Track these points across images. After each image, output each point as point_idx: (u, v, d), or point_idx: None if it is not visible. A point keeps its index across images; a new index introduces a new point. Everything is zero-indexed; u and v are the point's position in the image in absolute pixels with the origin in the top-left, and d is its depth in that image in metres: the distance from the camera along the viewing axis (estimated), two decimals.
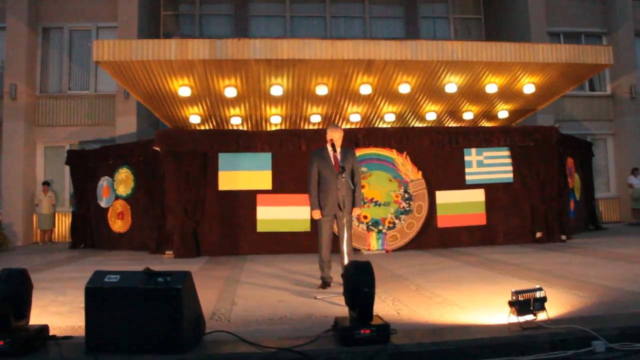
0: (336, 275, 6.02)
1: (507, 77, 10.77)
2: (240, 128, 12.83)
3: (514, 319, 3.90)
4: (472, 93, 11.66)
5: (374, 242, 9.55)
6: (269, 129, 13.12)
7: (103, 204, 11.30)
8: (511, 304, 3.92)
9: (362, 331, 3.57)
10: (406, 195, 9.69)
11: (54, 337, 3.84)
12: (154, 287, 3.53)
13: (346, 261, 5.20)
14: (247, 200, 9.42)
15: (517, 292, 3.90)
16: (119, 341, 3.52)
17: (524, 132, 10.06)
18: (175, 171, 9.33)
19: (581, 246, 9.27)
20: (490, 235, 9.87)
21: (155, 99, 11.27)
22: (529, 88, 11.19)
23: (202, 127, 12.98)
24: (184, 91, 10.56)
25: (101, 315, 3.54)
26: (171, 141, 9.42)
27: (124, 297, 3.55)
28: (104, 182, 11.29)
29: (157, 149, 9.57)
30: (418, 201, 9.71)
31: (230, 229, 9.43)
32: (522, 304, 3.88)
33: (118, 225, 11.03)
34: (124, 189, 10.92)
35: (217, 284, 6.28)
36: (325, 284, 5.80)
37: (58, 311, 4.82)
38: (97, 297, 3.56)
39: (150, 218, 10.13)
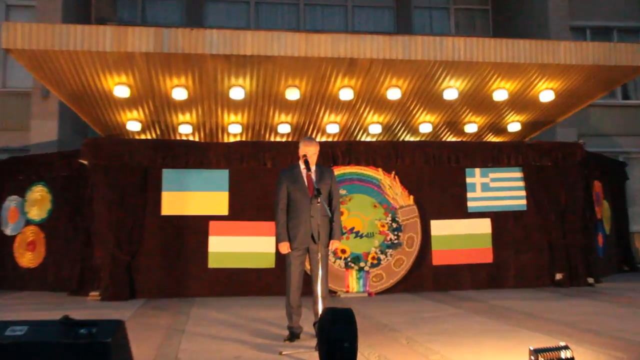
0: (307, 324, 6.04)
1: (520, 82, 10.95)
2: (191, 139, 12.85)
3: None
4: (476, 101, 11.82)
5: (353, 283, 9.64)
6: (226, 140, 13.16)
7: (8, 231, 11.13)
8: None
9: None
10: (394, 225, 9.81)
11: None
12: (73, 341, 3.40)
13: (320, 307, 5.23)
14: (197, 228, 9.54)
15: (536, 351, 3.87)
16: None
17: (540, 149, 10.31)
18: (107, 190, 9.40)
19: (613, 292, 9.34)
20: (498, 276, 10.04)
21: (84, 99, 11.15)
22: (546, 95, 11.37)
23: (143, 137, 12.91)
24: (121, 91, 10.50)
25: None
26: (102, 153, 9.48)
27: (31, 356, 3.40)
28: (11, 202, 11.15)
29: (84, 162, 9.61)
30: (409, 232, 9.85)
31: (174, 264, 9.51)
32: None
33: (27, 258, 10.86)
34: (37, 212, 10.81)
35: (157, 335, 6.25)
36: (294, 335, 5.83)
37: None
38: None
39: (72, 249, 10.08)
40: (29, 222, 10.87)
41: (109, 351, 3.35)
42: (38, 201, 10.81)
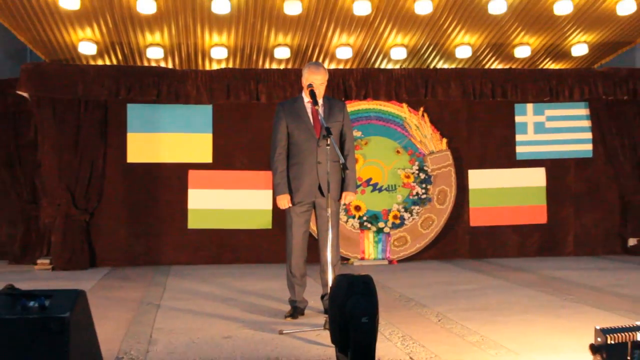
0: (313, 297, 6.20)
1: None
2: (163, 65, 12.68)
3: None
4: (531, 15, 11.53)
5: (370, 248, 9.92)
6: (208, 67, 12.97)
7: None
8: (595, 349, 3.91)
9: None
10: (422, 176, 9.99)
11: None
12: (21, 316, 3.46)
13: (330, 276, 5.31)
14: (172, 179, 9.78)
15: (604, 331, 3.88)
16: None
17: (613, 78, 10.33)
18: (56, 131, 9.47)
19: None
20: (553, 240, 10.28)
21: (19, 11, 10.94)
22: (625, 6, 11.04)
23: (100, 62, 12.78)
24: (69, 1, 10.30)
25: None
26: (48, 82, 9.49)
27: None
28: None
29: (24, 94, 9.58)
30: (440, 185, 10.04)
31: (144, 224, 9.76)
32: (614, 350, 3.86)
33: None
34: None
35: (125, 310, 6.37)
36: (297, 310, 5.95)
37: None
38: None
39: (12, 207, 10.26)
40: None
41: (66, 328, 3.40)
42: None
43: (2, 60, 13.99)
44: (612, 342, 3.87)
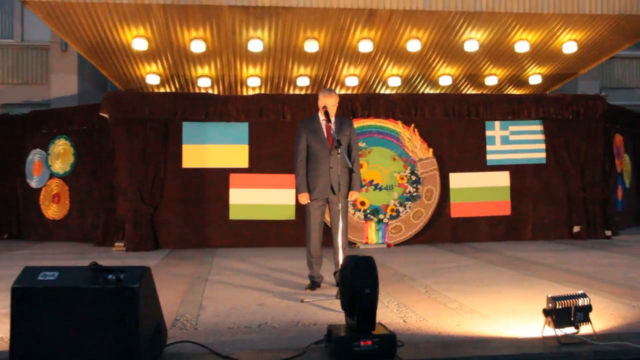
0: (328, 273, 6.22)
1: (543, 33, 10.81)
2: (210, 92, 12.94)
3: (550, 331, 3.95)
4: (497, 53, 11.73)
5: (372, 234, 9.94)
6: (245, 93, 13.28)
7: (34, 184, 11.30)
8: (547, 312, 3.96)
9: (362, 343, 3.60)
10: (413, 178, 10.03)
11: None
12: (102, 286, 3.50)
13: (341, 257, 5.40)
14: (217, 180, 9.81)
15: (554, 299, 3.94)
16: (55, 357, 3.47)
17: (561, 102, 10.30)
18: (128, 144, 9.64)
19: (631, 244, 9.53)
20: (515, 228, 10.28)
21: (102, 52, 11.19)
22: (569, 47, 11.23)
23: (162, 90, 13.00)
24: (139, 44, 10.52)
25: (32, 323, 3.49)
26: (123, 106, 9.64)
27: (62, 300, 3.49)
28: (35, 156, 11.27)
29: (105, 115, 9.76)
30: (428, 185, 10.08)
31: (196, 215, 9.83)
32: (561, 313, 3.92)
33: (53, 210, 11.07)
34: (61, 165, 10.96)
35: (181, 283, 6.48)
36: (315, 284, 5.99)
37: None
38: (27, 300, 3.50)
39: (95, 202, 10.37)
40: (53, 175, 11.03)
41: (136, 296, 3.45)
42: (61, 154, 10.93)
43: (90, 90, 14.26)
44: (560, 307, 3.96)
